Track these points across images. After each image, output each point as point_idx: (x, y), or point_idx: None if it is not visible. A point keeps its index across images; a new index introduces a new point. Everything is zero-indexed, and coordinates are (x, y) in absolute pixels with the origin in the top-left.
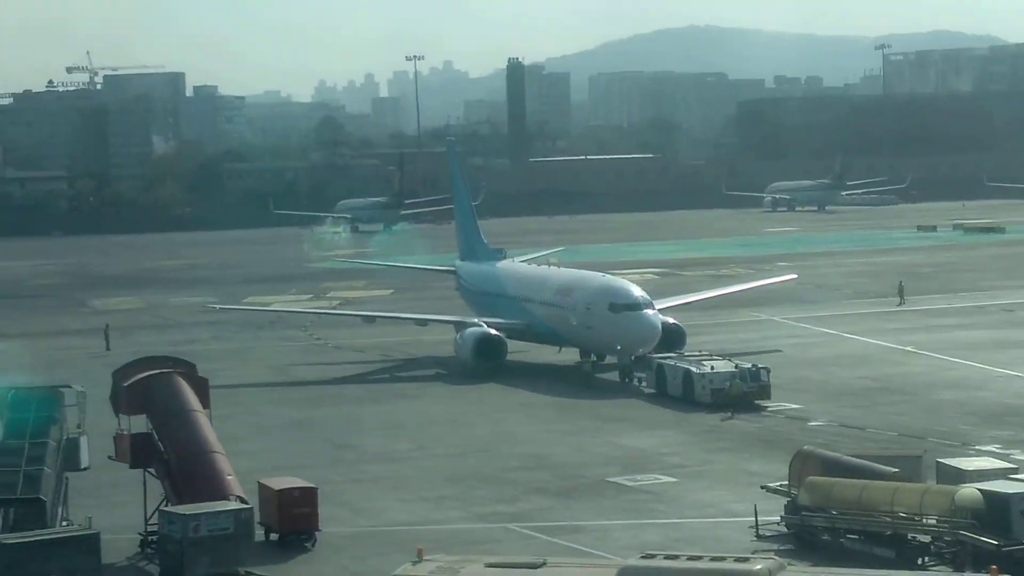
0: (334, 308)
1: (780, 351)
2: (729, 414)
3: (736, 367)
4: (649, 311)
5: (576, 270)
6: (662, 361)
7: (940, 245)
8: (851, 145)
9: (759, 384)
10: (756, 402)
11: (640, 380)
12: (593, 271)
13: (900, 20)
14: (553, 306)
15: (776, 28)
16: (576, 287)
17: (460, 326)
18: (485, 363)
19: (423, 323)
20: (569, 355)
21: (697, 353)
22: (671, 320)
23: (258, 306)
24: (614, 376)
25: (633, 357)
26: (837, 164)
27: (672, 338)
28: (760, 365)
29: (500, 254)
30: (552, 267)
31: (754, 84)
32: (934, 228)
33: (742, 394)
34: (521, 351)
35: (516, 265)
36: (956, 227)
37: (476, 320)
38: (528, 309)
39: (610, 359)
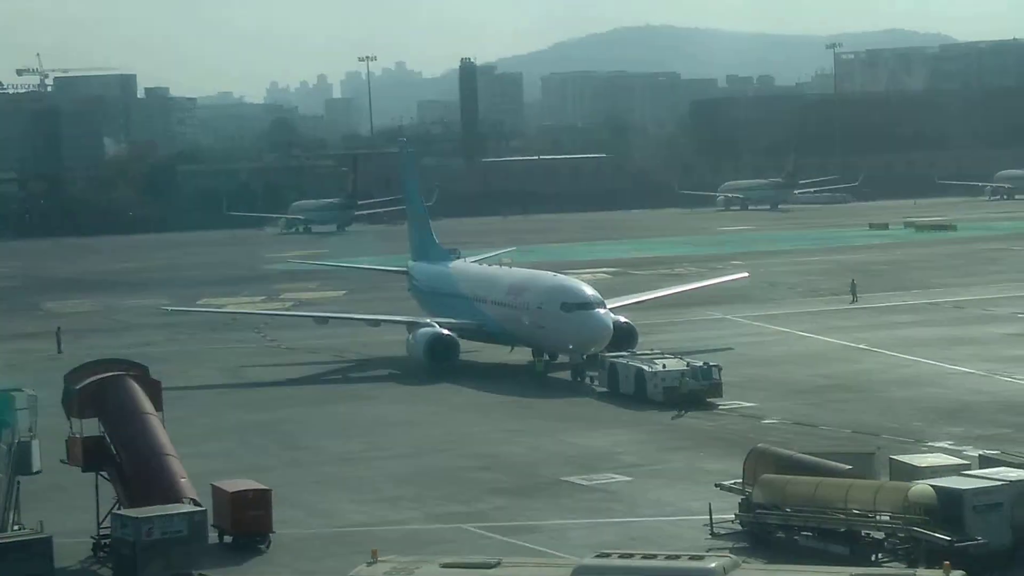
0: (287, 309)
1: (732, 348)
2: (680, 412)
3: (688, 365)
4: (600, 310)
5: (528, 270)
6: (614, 360)
7: (892, 243)
8: (803, 144)
9: (711, 382)
10: (708, 400)
11: (592, 379)
12: (545, 271)
13: (852, 19)
14: (505, 306)
15: (731, 27)
16: (528, 287)
17: (412, 326)
18: (438, 363)
19: (376, 324)
20: (521, 355)
21: (649, 352)
22: (623, 319)
23: (211, 308)
24: (566, 375)
25: (585, 356)
26: (789, 163)
27: (624, 337)
28: (712, 363)
29: (453, 254)
30: (504, 267)
31: (707, 83)
32: (886, 226)
33: (691, 392)
34: (474, 351)
35: (468, 265)
36: (908, 225)
37: (428, 320)
38: (480, 309)
39: (562, 358)
